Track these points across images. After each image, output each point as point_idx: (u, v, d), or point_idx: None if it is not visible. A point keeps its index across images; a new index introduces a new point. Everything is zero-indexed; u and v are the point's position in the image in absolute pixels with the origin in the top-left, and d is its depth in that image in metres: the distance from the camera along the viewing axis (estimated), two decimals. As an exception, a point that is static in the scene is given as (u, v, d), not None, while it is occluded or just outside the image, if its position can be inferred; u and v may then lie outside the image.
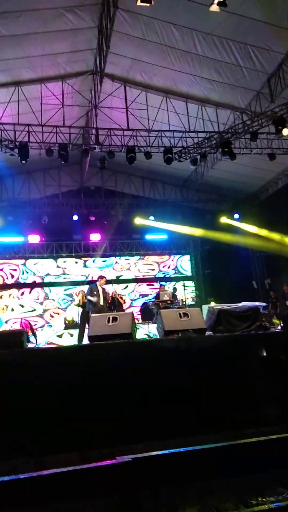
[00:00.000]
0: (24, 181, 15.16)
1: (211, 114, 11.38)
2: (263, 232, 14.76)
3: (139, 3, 6.91)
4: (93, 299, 9.05)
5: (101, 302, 9.20)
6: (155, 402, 4.54)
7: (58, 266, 15.73)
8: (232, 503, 2.55)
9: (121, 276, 16.12)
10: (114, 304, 11.64)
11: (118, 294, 12.34)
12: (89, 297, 9.17)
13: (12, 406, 4.45)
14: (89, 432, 4.45)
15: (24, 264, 15.46)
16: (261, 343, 5.51)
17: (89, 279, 15.52)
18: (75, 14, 8.74)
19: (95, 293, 9.20)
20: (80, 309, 10.47)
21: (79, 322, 10.81)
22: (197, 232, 15.79)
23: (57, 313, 15.06)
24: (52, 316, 15.02)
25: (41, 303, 15.17)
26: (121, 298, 12.52)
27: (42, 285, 15.40)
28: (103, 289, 9.54)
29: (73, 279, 15.61)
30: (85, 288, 11.90)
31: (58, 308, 15.18)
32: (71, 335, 12.99)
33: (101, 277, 9.78)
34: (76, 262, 15.89)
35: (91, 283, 14.88)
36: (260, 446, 3.08)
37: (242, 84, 10.33)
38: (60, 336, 14.15)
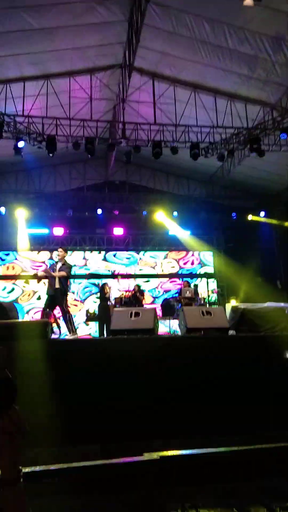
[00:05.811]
0: (50, 174, 15.35)
1: (240, 110, 11.17)
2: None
3: (171, -4, 6.82)
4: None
5: (57, 285, 7.11)
6: (177, 399, 4.54)
7: (84, 258, 15.78)
8: (254, 506, 2.53)
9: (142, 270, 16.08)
10: (134, 299, 11.50)
11: (138, 292, 11.98)
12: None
13: (33, 396, 4.53)
14: (110, 425, 4.49)
15: (50, 259, 15.57)
16: (285, 345, 5.42)
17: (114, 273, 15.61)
18: (106, 7, 8.72)
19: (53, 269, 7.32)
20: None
21: (99, 314, 10.84)
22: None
23: (75, 305, 15.14)
24: (69, 307, 15.06)
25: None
26: (142, 294, 12.18)
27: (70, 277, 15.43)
28: (63, 264, 7.37)
29: (95, 272, 15.68)
30: (108, 281, 11.95)
31: (77, 300, 15.25)
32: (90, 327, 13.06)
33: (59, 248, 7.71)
34: (99, 253, 15.92)
35: (114, 277, 15.04)
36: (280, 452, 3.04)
37: (273, 79, 10.07)
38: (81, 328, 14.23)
